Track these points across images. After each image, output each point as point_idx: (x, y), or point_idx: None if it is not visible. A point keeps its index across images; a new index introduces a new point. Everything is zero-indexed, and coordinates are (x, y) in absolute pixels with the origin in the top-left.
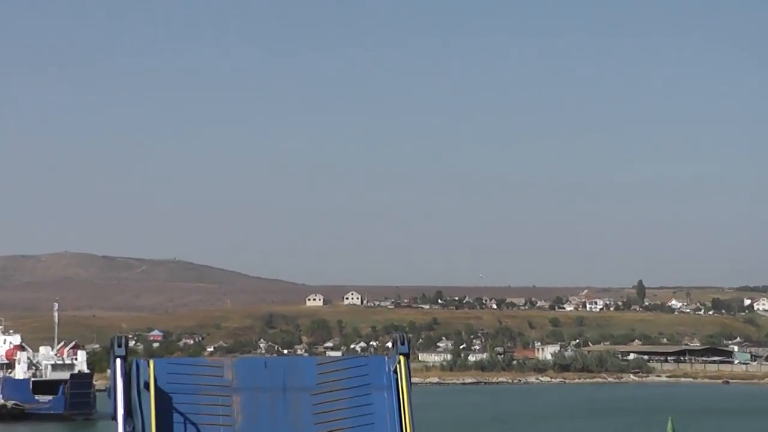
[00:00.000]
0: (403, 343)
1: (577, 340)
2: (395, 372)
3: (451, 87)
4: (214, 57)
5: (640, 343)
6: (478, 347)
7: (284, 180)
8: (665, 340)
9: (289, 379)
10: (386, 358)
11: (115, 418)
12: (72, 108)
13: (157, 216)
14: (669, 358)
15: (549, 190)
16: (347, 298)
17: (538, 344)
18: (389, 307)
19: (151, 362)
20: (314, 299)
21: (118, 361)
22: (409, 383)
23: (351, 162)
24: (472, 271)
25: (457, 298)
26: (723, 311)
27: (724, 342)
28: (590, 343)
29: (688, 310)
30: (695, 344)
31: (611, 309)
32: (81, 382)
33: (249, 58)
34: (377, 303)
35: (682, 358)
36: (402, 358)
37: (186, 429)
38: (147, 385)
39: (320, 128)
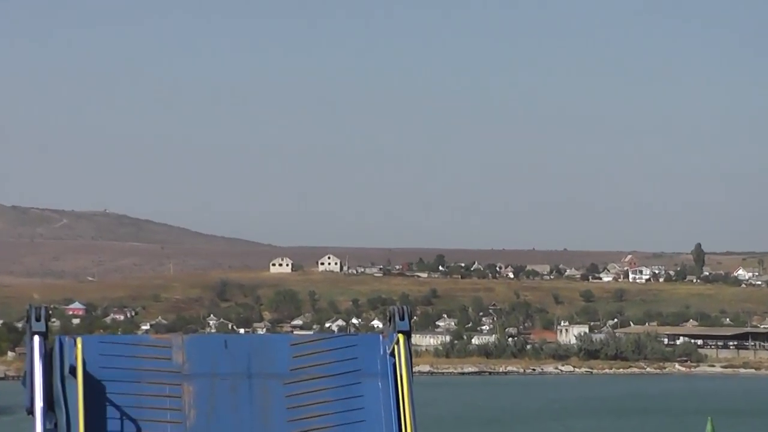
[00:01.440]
0: (402, 318)
1: (615, 320)
2: (392, 355)
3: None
4: None
5: (695, 323)
6: (487, 328)
7: (245, 112)
8: (728, 320)
9: (255, 362)
10: (381, 337)
11: (32, 412)
12: None
13: (83, 155)
14: (728, 343)
15: (584, 127)
16: (322, 264)
17: (565, 324)
18: (376, 275)
19: (79, 340)
20: (280, 264)
21: (36, 338)
22: (410, 369)
23: (332, 91)
24: (483, 229)
25: (463, 265)
26: None
27: None
28: (632, 323)
29: (760, 283)
30: (766, 325)
31: (660, 280)
32: None
33: None
34: (361, 270)
35: (744, 343)
36: (401, 337)
37: (123, 426)
38: (73, 370)
39: (292, 50)
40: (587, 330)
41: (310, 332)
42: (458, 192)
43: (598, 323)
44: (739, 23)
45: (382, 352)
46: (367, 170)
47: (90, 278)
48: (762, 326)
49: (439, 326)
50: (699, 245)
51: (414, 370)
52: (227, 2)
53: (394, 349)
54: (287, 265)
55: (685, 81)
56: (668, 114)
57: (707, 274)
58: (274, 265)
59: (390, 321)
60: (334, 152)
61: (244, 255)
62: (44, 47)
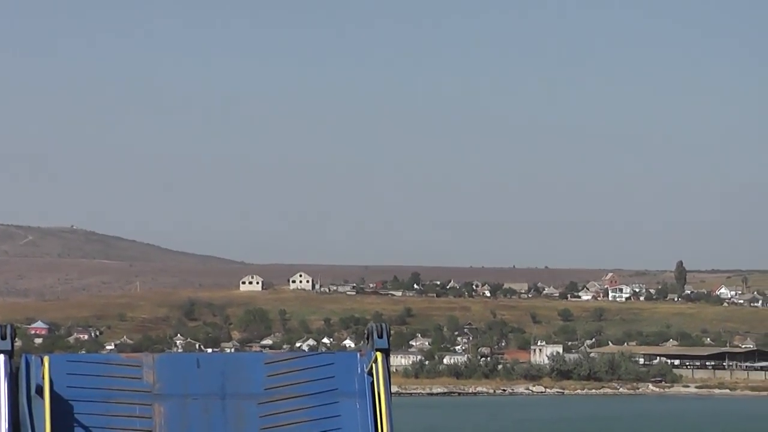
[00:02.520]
0: (381, 336)
1: (594, 339)
2: (370, 374)
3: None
4: None
5: (676, 343)
6: (463, 347)
7: (216, 128)
8: (709, 339)
9: (229, 382)
10: (358, 355)
11: None
12: None
13: (51, 171)
14: (705, 363)
15: (567, 142)
16: (294, 282)
17: (541, 344)
18: (349, 293)
19: (46, 359)
20: (250, 282)
21: (1, 357)
22: (388, 389)
23: (308, 107)
24: (459, 248)
25: (438, 283)
26: None
27: None
28: (610, 343)
29: (742, 301)
30: (748, 345)
31: (641, 298)
32: None
33: None
34: (333, 288)
35: (722, 363)
36: (379, 355)
37: None
38: (40, 390)
39: (265, 65)
40: (560, 350)
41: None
42: (436, 209)
43: (576, 343)
44: (718, 48)
45: (359, 371)
46: (341, 187)
47: (56, 297)
48: (743, 345)
49: (412, 346)
50: (681, 263)
51: None
52: (173, 14)
53: (371, 367)
54: (257, 283)
55: (667, 98)
56: (650, 131)
57: (689, 292)
58: (244, 283)
59: (368, 339)
60: (308, 169)
61: (215, 273)
62: (3, 63)
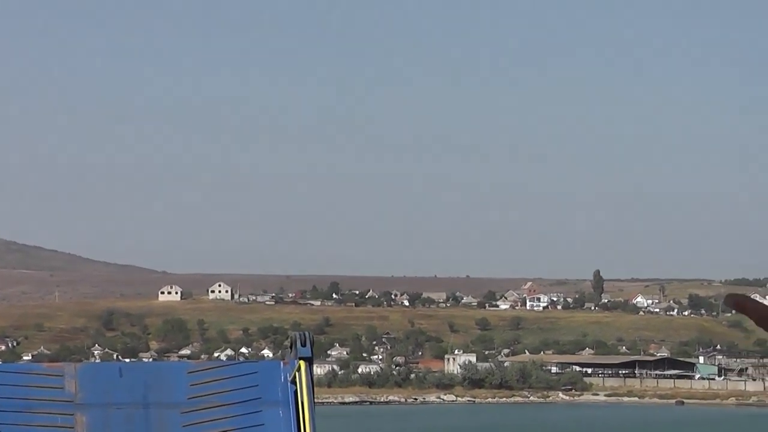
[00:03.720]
0: (304, 345)
1: (510, 349)
2: (293, 382)
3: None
4: None
5: (592, 352)
6: (381, 356)
7: (136, 134)
8: (624, 348)
9: (152, 391)
10: (282, 363)
11: None
12: None
13: None
14: (619, 371)
15: (486, 154)
16: (213, 291)
17: (458, 352)
18: (268, 303)
19: None
20: (169, 292)
21: None
22: (312, 397)
23: (224, 116)
24: (379, 256)
25: (357, 292)
26: (703, 312)
27: (702, 351)
28: (527, 352)
29: (658, 310)
30: (663, 353)
31: (559, 307)
32: None
33: None
34: (253, 298)
35: (633, 371)
36: (302, 363)
37: None
38: None
39: (188, 73)
40: (474, 359)
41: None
42: (355, 217)
43: (494, 352)
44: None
45: (283, 380)
46: (261, 195)
47: None
48: (658, 354)
49: (331, 355)
50: (598, 272)
51: None
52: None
53: (295, 376)
54: (176, 293)
55: (585, 101)
56: (567, 140)
57: (606, 301)
58: (163, 293)
59: (291, 347)
60: (228, 177)
61: (137, 282)
62: None
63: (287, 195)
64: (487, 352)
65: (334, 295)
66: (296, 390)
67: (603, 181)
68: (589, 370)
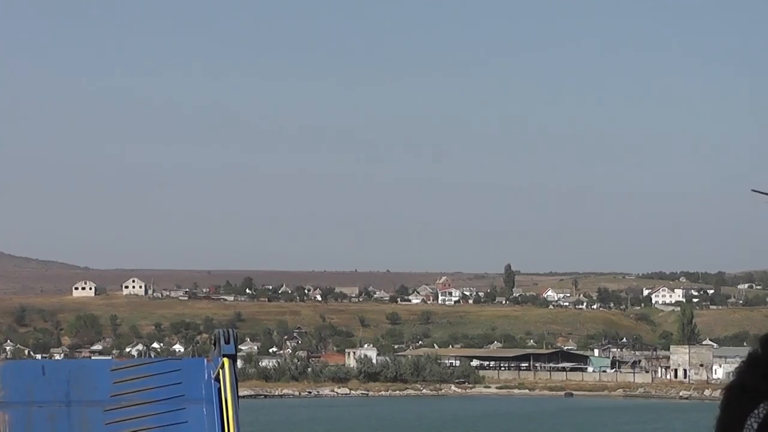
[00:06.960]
0: (228, 342)
1: (420, 342)
2: (217, 380)
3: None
4: None
5: (500, 345)
6: (290, 350)
7: (51, 128)
8: (532, 341)
9: (75, 389)
10: (205, 361)
11: None
12: None
13: None
14: (510, 364)
15: (410, 145)
16: (127, 287)
17: (367, 346)
18: (181, 298)
19: None
20: (83, 288)
21: None
22: (236, 394)
23: (143, 112)
24: (295, 249)
25: (270, 287)
26: (611, 305)
27: (607, 343)
28: (436, 346)
29: (567, 304)
30: (570, 346)
31: (470, 302)
32: None
33: None
34: (166, 293)
35: (528, 365)
36: (227, 361)
37: None
38: None
39: (108, 66)
40: (373, 354)
41: (109, 358)
42: (276, 213)
43: (403, 346)
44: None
45: (206, 377)
46: (174, 190)
47: None
48: (566, 347)
49: (242, 350)
50: (509, 266)
51: None
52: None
53: (219, 373)
54: (90, 288)
55: (498, 99)
56: (483, 135)
57: (517, 295)
58: (77, 288)
59: (215, 344)
60: (144, 172)
61: (56, 278)
62: None
63: (206, 191)
64: (396, 346)
65: (248, 291)
66: (220, 387)
67: (523, 176)
68: (491, 363)
